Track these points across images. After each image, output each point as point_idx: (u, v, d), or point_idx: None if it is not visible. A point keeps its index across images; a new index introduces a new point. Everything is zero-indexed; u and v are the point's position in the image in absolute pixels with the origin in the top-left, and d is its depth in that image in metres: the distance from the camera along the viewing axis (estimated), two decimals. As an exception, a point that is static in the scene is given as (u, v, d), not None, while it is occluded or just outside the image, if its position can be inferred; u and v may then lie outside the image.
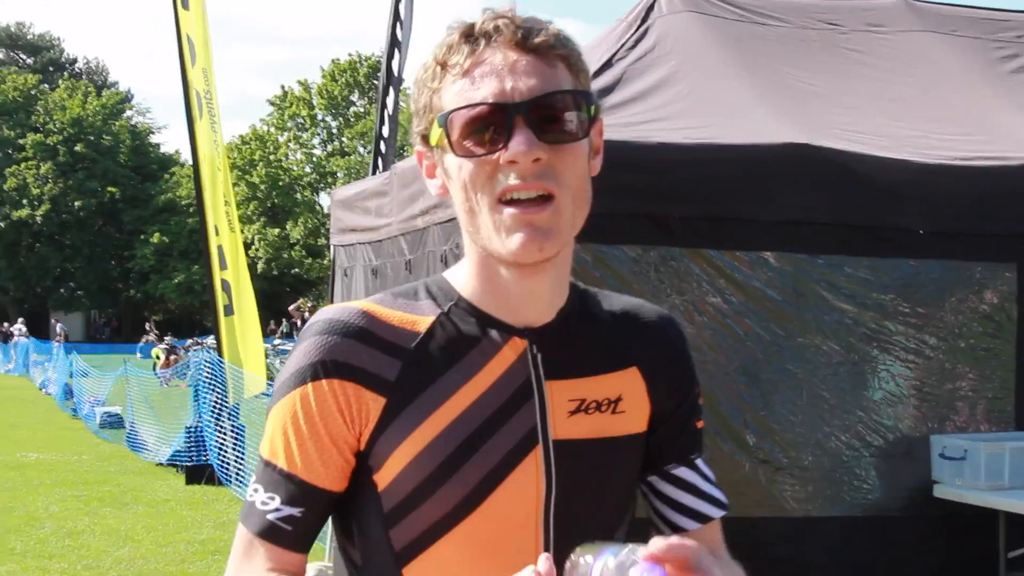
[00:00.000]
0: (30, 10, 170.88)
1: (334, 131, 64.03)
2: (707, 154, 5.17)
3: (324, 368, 1.56)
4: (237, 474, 12.65)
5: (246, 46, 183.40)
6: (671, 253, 5.15)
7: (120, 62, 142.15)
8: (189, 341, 37.76)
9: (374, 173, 8.55)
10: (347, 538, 1.67)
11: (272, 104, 64.94)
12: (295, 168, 63.61)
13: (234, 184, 61.20)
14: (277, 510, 1.59)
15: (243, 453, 13.00)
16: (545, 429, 1.62)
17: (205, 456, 13.32)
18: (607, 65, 5.99)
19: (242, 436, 13.25)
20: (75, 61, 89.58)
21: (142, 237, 65.54)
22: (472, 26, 1.57)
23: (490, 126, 1.53)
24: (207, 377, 13.87)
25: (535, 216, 1.51)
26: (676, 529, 1.75)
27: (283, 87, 65.25)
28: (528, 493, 1.60)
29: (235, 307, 13.81)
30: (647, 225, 5.13)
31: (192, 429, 13.82)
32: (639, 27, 6.37)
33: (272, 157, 62.25)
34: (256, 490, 1.61)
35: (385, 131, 9.09)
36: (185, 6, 13.53)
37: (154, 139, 77.06)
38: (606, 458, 1.66)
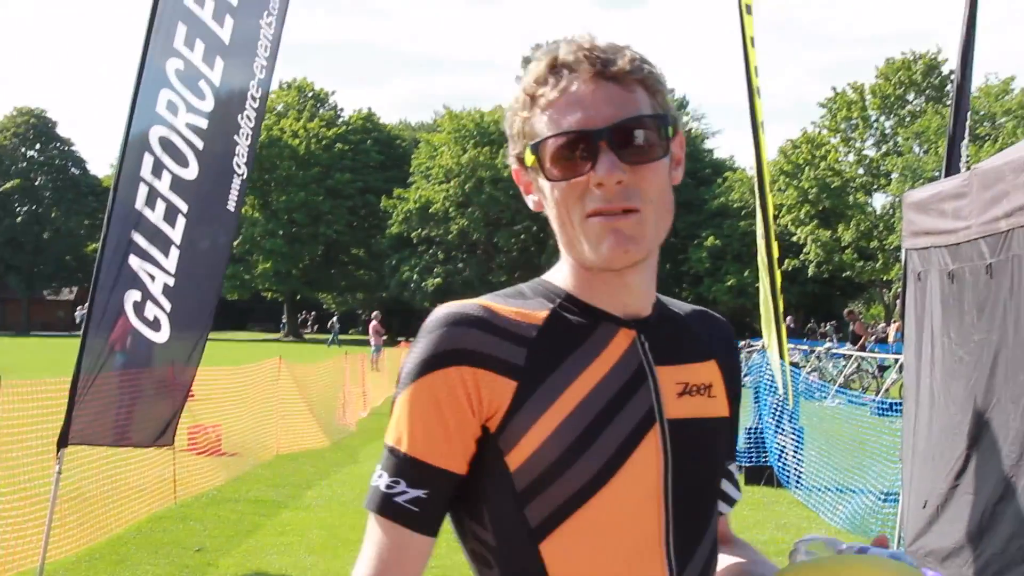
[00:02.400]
0: (593, 24, 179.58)
1: (888, 131, 62.46)
2: None
3: (449, 357, 1.68)
4: (797, 477, 12.67)
5: (801, 49, 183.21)
6: None
7: (676, 70, 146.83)
8: (741, 343, 38.24)
9: (948, 174, 8.30)
10: (477, 522, 1.76)
11: (823, 106, 64.40)
12: (847, 170, 62.68)
13: (782, 189, 61.49)
14: (403, 492, 1.69)
15: (802, 456, 13.01)
16: (660, 409, 1.77)
17: (765, 457, 13.46)
18: None
19: (802, 438, 13.26)
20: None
21: (695, 241, 67.28)
22: (555, 58, 1.75)
23: (577, 152, 1.70)
24: (767, 379, 14.03)
25: (620, 222, 1.69)
26: None
27: (834, 89, 64.58)
28: (651, 469, 1.75)
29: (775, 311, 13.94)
30: None
31: (752, 430, 14.01)
32: None
33: (823, 161, 61.71)
34: (380, 476, 1.72)
35: (961, 132, 8.81)
36: (749, 11, 13.75)
37: (708, 144, 78.82)
38: (708, 437, 1.84)
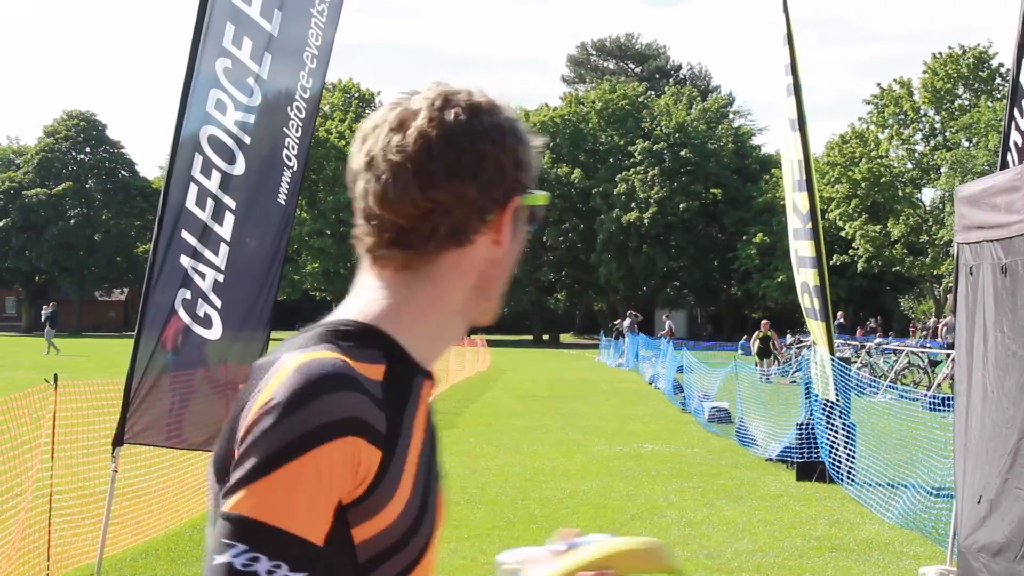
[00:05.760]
0: (638, 22, 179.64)
1: (937, 126, 61.98)
2: None
3: (343, 425, 1.48)
4: (849, 472, 12.62)
5: (845, 45, 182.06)
6: None
7: (723, 66, 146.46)
8: (790, 339, 38.05)
9: (1003, 168, 8.24)
10: None
11: (869, 103, 64.04)
12: (896, 165, 62.27)
13: (835, 181, 61.09)
14: None
15: (854, 451, 12.96)
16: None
17: (816, 453, 13.41)
18: None
19: (853, 434, 13.20)
20: (679, 68, 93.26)
21: (744, 238, 66.99)
22: None
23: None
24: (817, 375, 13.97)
25: None
26: None
27: (879, 85, 64.17)
28: (440, 524, 1.71)
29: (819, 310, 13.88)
30: None
31: (803, 426, 13.95)
32: None
33: (873, 154, 61.34)
34: (256, 559, 1.44)
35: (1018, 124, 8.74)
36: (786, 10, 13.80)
37: (755, 141, 78.52)
38: None
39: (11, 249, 79.37)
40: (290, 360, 1.54)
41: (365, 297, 1.70)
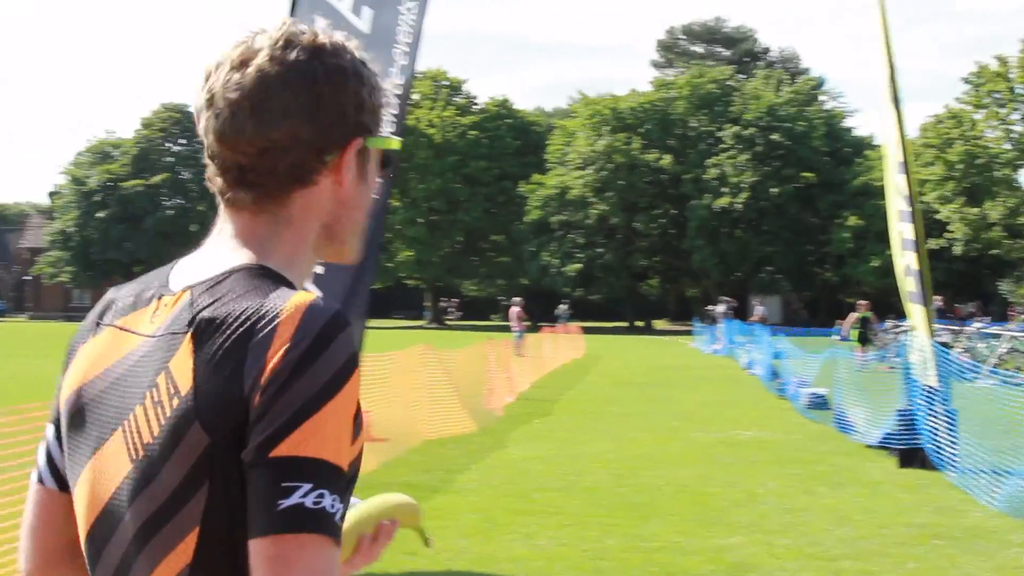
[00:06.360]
0: (727, 4, 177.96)
1: (1034, 105, 60.62)
2: None
3: (355, 358, 1.55)
4: (951, 459, 12.43)
5: (938, 24, 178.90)
6: None
7: (812, 48, 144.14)
8: (888, 324, 37.49)
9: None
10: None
11: (967, 82, 62.72)
12: (992, 146, 60.99)
13: (930, 163, 60.05)
14: (338, 511, 1.50)
15: (956, 438, 12.76)
16: None
17: (917, 440, 13.23)
18: None
19: (955, 420, 12.99)
20: (768, 51, 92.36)
21: (837, 221, 66.13)
22: None
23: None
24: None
25: None
26: None
27: (977, 63, 62.80)
28: None
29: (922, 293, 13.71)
30: None
31: (904, 412, 13.77)
32: None
33: (969, 134, 60.15)
34: (322, 495, 1.46)
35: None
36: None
37: (847, 123, 77.44)
38: None
39: (110, 240, 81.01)
40: (285, 303, 1.56)
41: (235, 246, 1.70)
